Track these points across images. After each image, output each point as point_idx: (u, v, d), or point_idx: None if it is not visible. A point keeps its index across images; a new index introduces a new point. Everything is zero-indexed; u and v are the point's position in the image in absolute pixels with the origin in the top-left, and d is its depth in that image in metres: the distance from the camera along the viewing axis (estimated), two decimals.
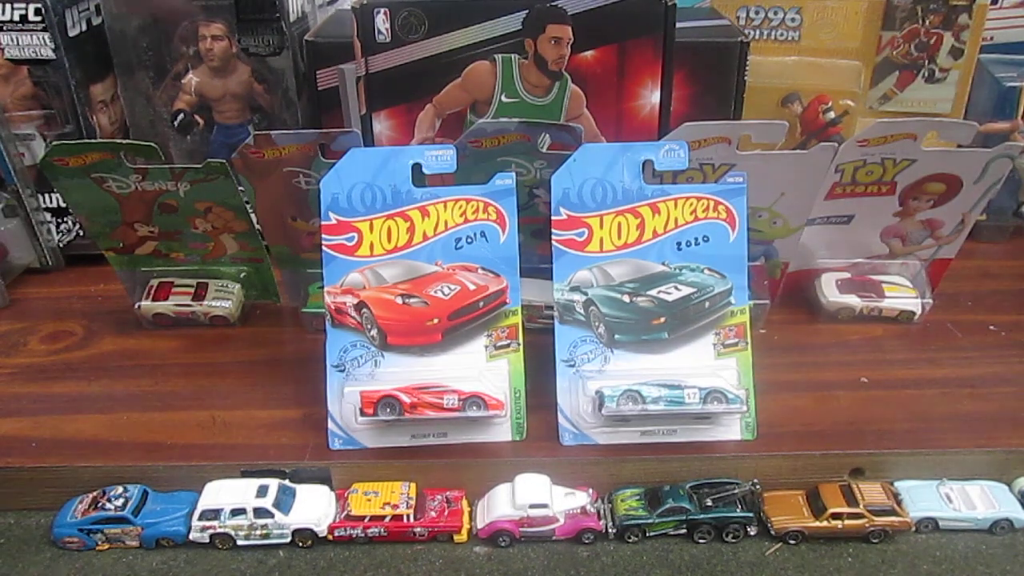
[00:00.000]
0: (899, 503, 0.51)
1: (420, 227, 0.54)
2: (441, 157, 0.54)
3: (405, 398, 0.52)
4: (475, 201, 0.55)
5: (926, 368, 0.62)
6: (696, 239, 0.55)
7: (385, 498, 0.51)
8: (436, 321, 0.54)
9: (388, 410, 0.52)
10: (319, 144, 0.57)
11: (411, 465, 0.53)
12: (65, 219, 0.77)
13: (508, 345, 0.55)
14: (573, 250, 0.54)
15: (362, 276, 0.54)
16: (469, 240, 0.55)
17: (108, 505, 0.51)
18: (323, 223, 0.54)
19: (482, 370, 0.54)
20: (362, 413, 0.52)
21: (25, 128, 0.72)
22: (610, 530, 0.51)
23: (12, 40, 0.68)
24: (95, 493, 0.52)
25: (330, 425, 0.54)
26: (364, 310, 0.54)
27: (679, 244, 0.54)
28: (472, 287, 0.54)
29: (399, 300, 0.54)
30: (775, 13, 0.75)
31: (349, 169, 0.54)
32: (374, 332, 0.54)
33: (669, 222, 0.54)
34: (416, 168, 0.55)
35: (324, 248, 0.54)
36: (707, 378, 0.53)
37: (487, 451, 0.54)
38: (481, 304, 0.54)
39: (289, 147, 0.57)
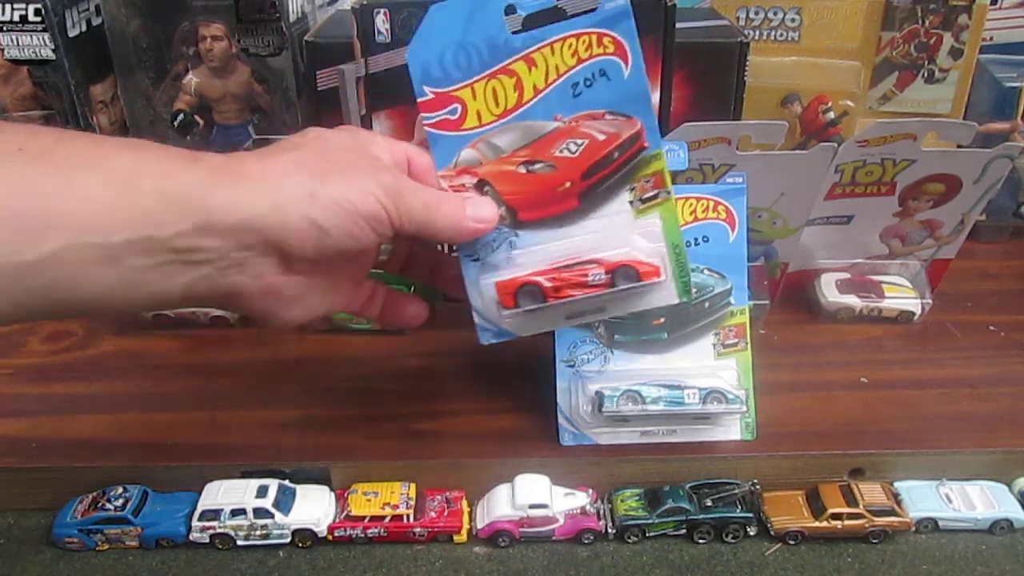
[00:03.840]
0: (899, 503, 0.51)
1: (528, 80, 0.46)
2: None
3: (545, 282, 0.46)
4: (586, 35, 0.45)
5: (926, 368, 0.62)
6: (696, 239, 0.54)
7: (385, 498, 0.51)
8: (568, 185, 0.46)
9: (529, 298, 0.46)
10: None
11: (411, 465, 0.53)
12: None
13: (655, 196, 0.46)
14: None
15: (476, 151, 0.47)
16: (588, 83, 0.46)
17: (108, 505, 0.51)
18: (419, 100, 0.46)
19: (630, 229, 0.47)
20: (503, 306, 0.47)
21: None
22: (610, 530, 0.51)
23: (12, 40, 0.68)
24: (95, 493, 0.52)
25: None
26: (486, 188, 0.46)
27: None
28: (602, 137, 0.46)
29: (522, 169, 0.46)
30: (775, 13, 0.75)
31: (433, 31, 0.45)
32: (502, 210, 0.46)
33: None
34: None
35: (427, 128, 0.46)
36: (707, 378, 0.53)
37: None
38: (616, 155, 0.46)
39: None
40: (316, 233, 0.38)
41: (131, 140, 0.36)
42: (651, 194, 0.46)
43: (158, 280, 0.35)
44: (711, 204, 0.54)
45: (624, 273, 0.46)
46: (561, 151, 0.46)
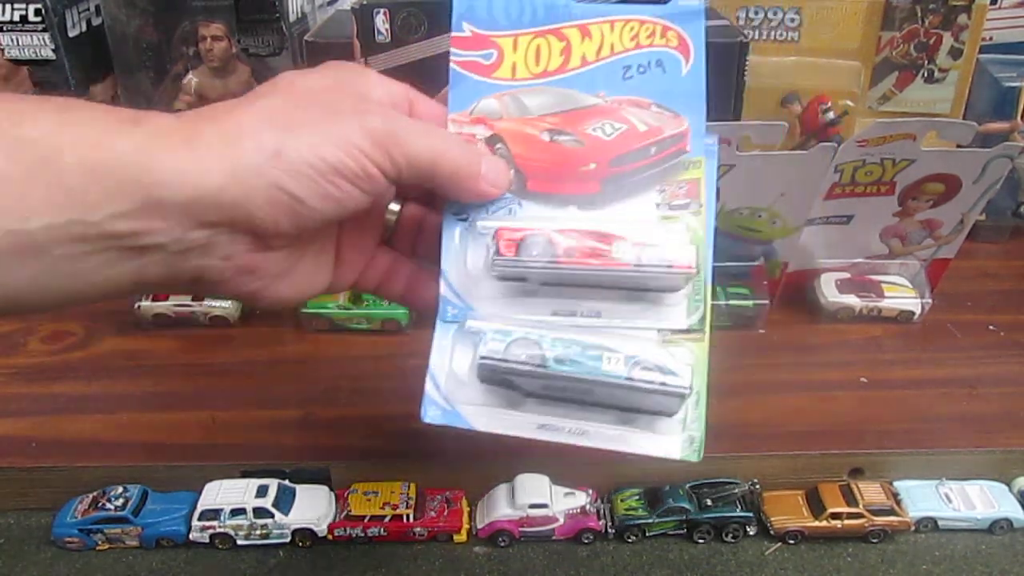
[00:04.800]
0: (898, 503, 0.52)
1: (578, 49, 0.42)
2: None
3: (561, 239, 0.39)
4: (651, 23, 0.42)
5: (926, 368, 0.62)
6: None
7: (385, 498, 0.51)
8: (593, 167, 0.41)
9: (535, 251, 0.39)
10: None
11: (411, 465, 0.53)
12: None
13: (686, 205, 0.41)
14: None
15: (499, 103, 0.42)
16: (641, 70, 0.42)
17: (108, 505, 0.51)
18: (454, 34, 0.42)
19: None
20: (497, 255, 0.39)
21: None
22: (610, 530, 0.51)
23: (12, 40, 0.68)
24: (95, 493, 0.52)
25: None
26: (499, 145, 0.41)
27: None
28: (643, 128, 0.41)
29: (546, 136, 0.42)
30: (775, 13, 0.75)
31: None
32: (511, 174, 0.41)
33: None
34: None
35: (452, 66, 0.42)
36: (646, 353, 0.38)
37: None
38: (653, 150, 0.42)
39: None
40: (288, 202, 0.31)
41: (57, 100, 0.30)
42: (682, 202, 0.41)
43: (96, 270, 0.30)
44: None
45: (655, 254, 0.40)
46: (594, 130, 0.42)
